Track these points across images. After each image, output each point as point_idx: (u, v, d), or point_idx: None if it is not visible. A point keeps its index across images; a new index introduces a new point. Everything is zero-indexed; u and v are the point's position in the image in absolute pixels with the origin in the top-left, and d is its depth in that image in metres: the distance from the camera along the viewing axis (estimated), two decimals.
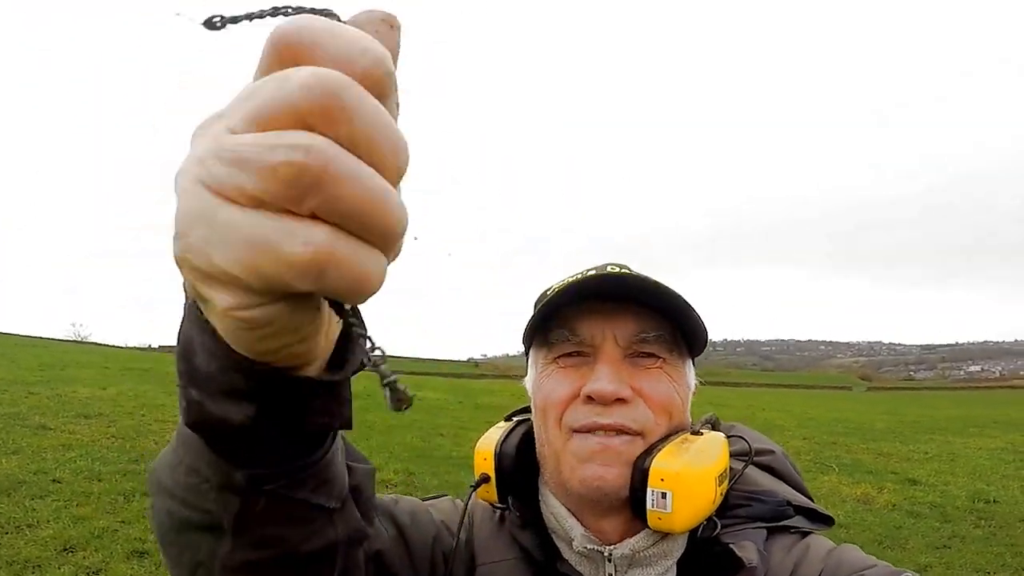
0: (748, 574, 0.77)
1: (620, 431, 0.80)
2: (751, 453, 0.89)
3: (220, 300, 0.34)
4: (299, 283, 0.31)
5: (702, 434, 0.84)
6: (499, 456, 0.89)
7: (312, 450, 0.51)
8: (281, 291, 0.33)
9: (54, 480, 5.55)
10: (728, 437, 0.89)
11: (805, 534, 0.85)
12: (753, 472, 0.90)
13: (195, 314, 0.39)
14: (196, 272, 0.33)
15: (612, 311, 0.83)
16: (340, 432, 0.57)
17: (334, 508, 0.57)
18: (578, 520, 0.83)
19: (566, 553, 0.85)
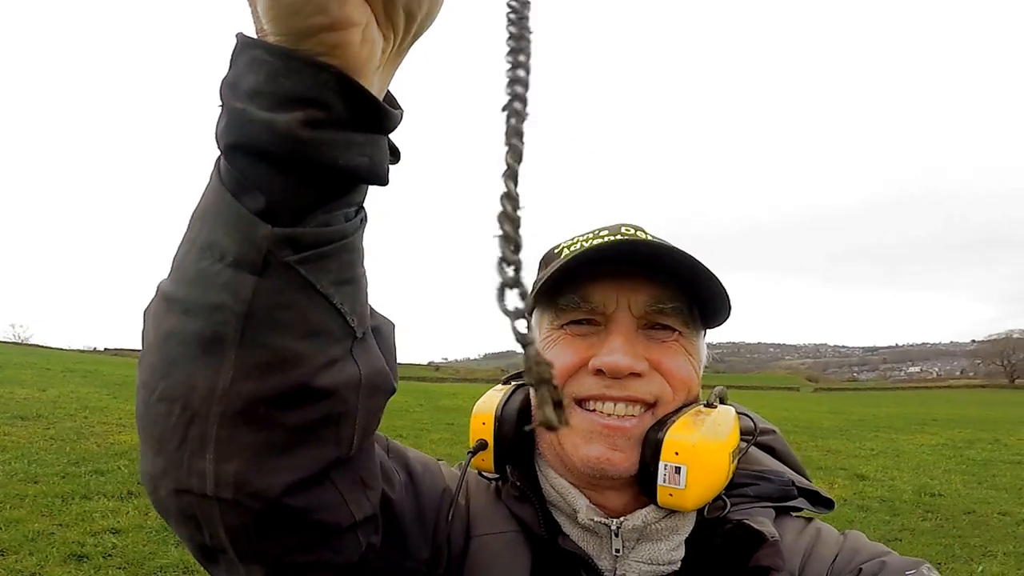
0: (771, 548, 0.72)
1: (632, 401, 0.75)
2: (755, 431, 0.85)
3: None
4: None
5: (715, 407, 0.80)
6: (499, 421, 0.82)
7: (342, 205, 0.49)
8: None
9: None
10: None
11: (809, 518, 0.82)
12: (756, 452, 0.86)
13: (247, 39, 0.45)
14: None
15: (627, 277, 0.77)
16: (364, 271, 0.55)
17: (355, 333, 0.52)
18: (582, 492, 0.78)
19: (568, 528, 0.79)
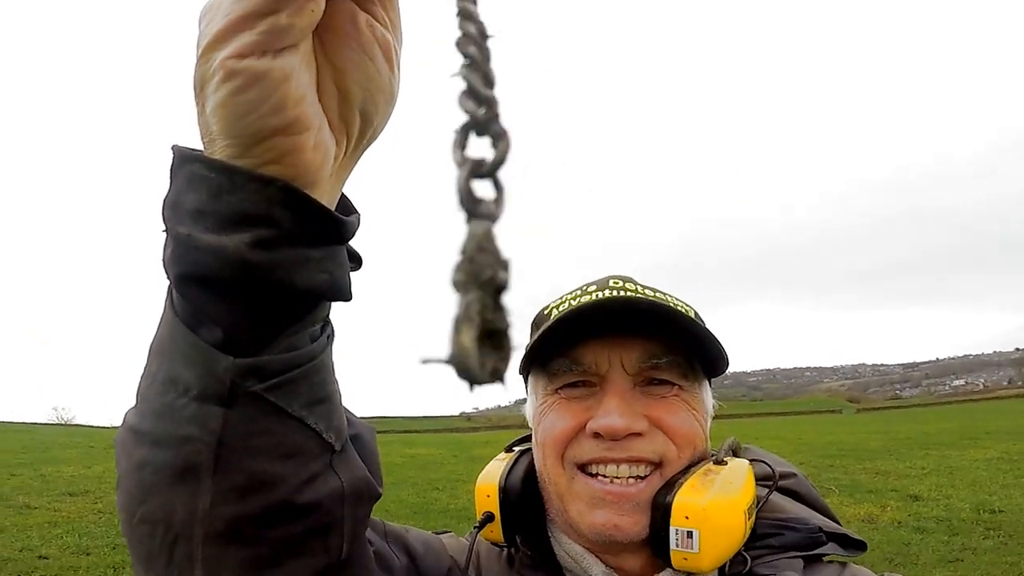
0: None
1: (635, 462, 0.73)
2: (775, 477, 0.82)
3: (222, 53, 0.38)
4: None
5: (725, 463, 0.77)
6: (504, 491, 0.80)
7: (307, 325, 0.47)
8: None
9: (40, 556, 5.40)
10: (749, 461, 0.82)
11: (843, 563, 0.79)
12: (778, 498, 0.82)
13: (186, 152, 0.43)
14: (207, 41, 0.39)
15: (618, 334, 0.75)
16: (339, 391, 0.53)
17: (333, 447, 0.51)
18: (597, 558, 0.76)
19: None
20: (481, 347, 0.21)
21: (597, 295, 0.75)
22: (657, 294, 0.77)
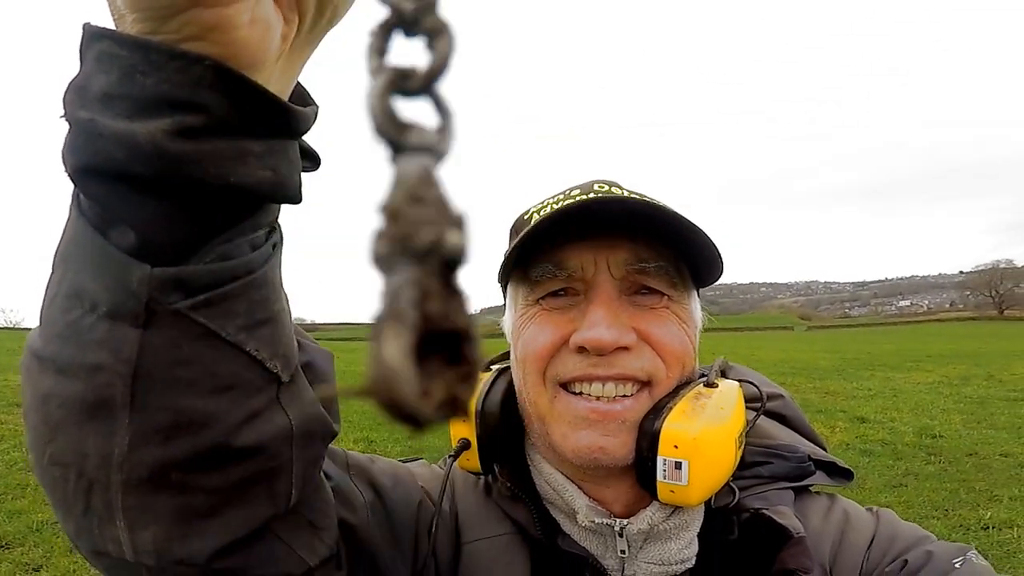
0: (797, 547, 0.65)
1: (622, 379, 0.67)
2: (763, 400, 0.77)
3: None
4: None
5: (716, 386, 0.71)
6: (481, 416, 0.74)
7: (246, 231, 0.39)
8: None
9: None
10: (736, 382, 0.77)
11: (831, 495, 0.77)
12: (765, 422, 0.79)
13: (96, 29, 0.36)
14: None
15: (604, 237, 0.69)
16: (286, 299, 0.45)
17: (279, 378, 0.43)
18: (579, 488, 0.72)
19: (567, 527, 0.73)
20: (422, 364, 0.13)
21: (581, 198, 0.68)
22: (645, 198, 0.70)
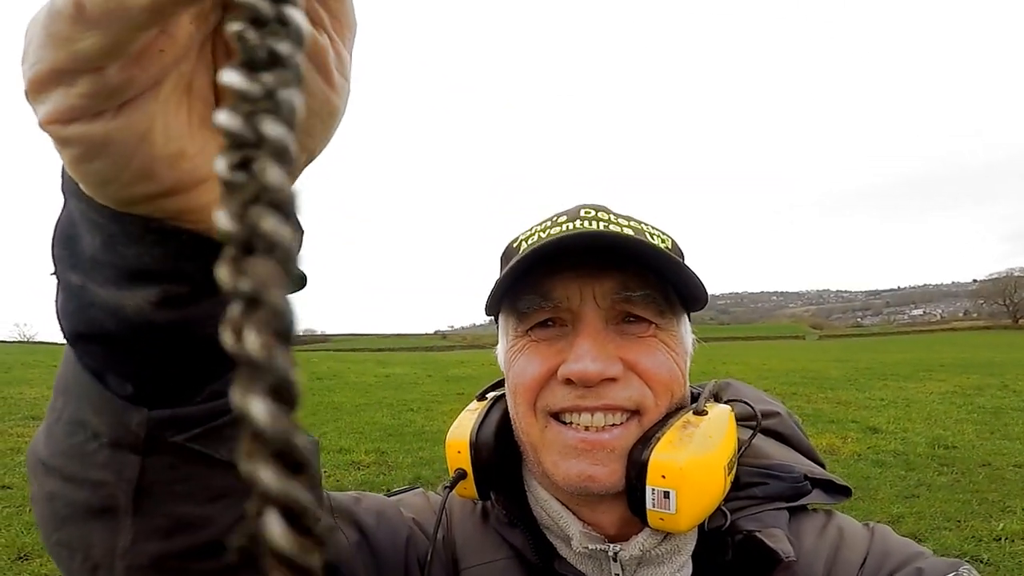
0: (786, 572, 0.67)
1: (610, 410, 0.68)
2: (758, 419, 0.78)
3: (40, 114, 0.30)
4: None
5: (706, 412, 0.72)
6: (475, 447, 0.76)
7: (226, 371, 0.40)
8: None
9: (3, 486, 5.27)
10: (730, 403, 0.78)
11: (828, 511, 0.77)
12: (761, 441, 0.79)
13: (73, 186, 0.34)
14: (24, 86, 0.29)
15: (590, 267, 0.70)
16: None
17: None
18: (574, 515, 0.73)
19: (563, 551, 0.74)
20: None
21: (567, 226, 0.71)
22: (632, 223, 0.72)
